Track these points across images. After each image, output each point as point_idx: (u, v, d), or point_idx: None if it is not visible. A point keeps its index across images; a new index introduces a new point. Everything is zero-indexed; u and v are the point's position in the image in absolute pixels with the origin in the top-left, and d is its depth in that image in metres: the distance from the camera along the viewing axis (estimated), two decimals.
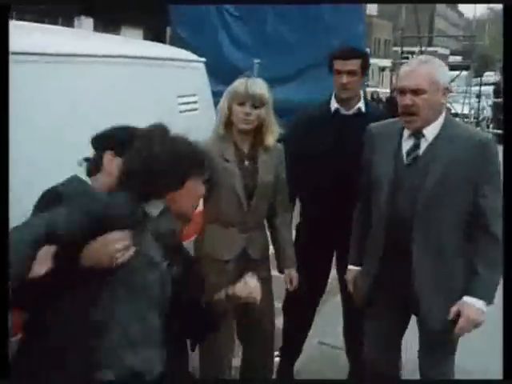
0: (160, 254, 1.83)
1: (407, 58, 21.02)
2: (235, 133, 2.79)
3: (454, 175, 2.33)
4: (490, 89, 19.95)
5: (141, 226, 1.78)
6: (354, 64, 3.10)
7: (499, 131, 17.87)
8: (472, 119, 17.26)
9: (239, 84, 2.75)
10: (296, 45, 8.76)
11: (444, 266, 2.41)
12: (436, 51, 31.64)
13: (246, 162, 2.81)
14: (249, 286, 2.06)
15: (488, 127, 18.99)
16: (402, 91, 2.36)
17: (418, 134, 2.40)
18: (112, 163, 2.05)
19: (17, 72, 1.98)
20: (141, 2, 12.31)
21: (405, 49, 19.72)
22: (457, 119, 2.48)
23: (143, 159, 1.79)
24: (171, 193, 1.81)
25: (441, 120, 2.40)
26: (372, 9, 36.44)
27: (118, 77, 2.67)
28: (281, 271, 3.01)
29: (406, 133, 2.43)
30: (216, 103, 2.94)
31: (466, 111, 17.04)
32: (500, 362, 1.77)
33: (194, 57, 3.63)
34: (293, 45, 8.74)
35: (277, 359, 3.69)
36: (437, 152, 2.36)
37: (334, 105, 3.18)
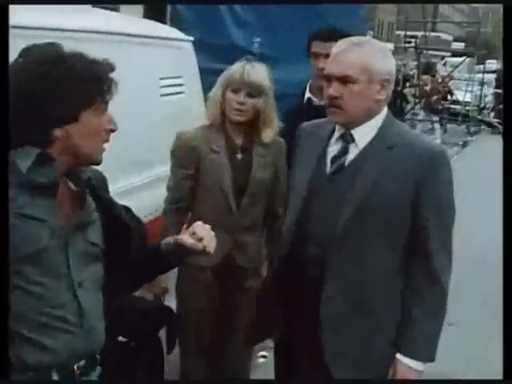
0: (46, 212, 1.41)
1: (410, 42, 20.76)
2: (227, 123, 2.48)
3: (387, 192, 1.85)
4: (492, 77, 19.66)
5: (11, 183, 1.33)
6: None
7: (499, 120, 17.75)
8: (474, 107, 16.99)
9: (236, 68, 2.45)
10: (298, 25, 8.48)
11: (367, 313, 1.90)
12: (439, 37, 31.29)
13: (239, 155, 2.50)
14: (197, 233, 1.68)
15: (489, 116, 18.80)
16: (328, 79, 1.90)
17: (346, 137, 1.93)
18: None
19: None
20: None
21: (408, 33, 19.37)
22: (408, 127, 2.05)
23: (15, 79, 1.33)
24: (59, 129, 1.39)
25: (378, 121, 1.91)
26: None
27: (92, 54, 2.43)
28: None
29: (336, 135, 1.96)
30: (215, 82, 2.63)
31: (468, 99, 16.73)
32: (500, 362, 1.64)
33: (180, 35, 3.40)
34: (295, 24, 8.47)
35: (261, 360, 3.51)
36: (368, 160, 1.89)
37: (307, 94, 2.84)
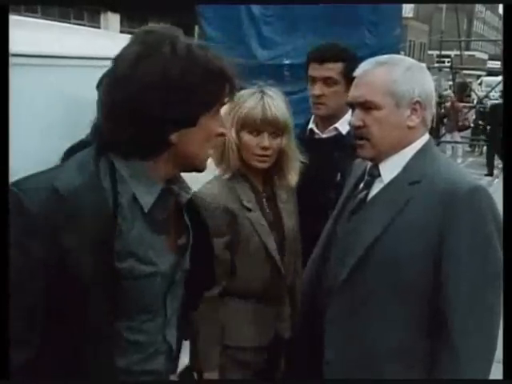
0: (157, 252, 1.27)
1: (443, 62, 20.38)
2: (247, 170, 2.00)
3: (399, 239, 1.54)
4: None
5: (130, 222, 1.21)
6: (331, 69, 2.29)
7: None
8: None
9: (253, 104, 1.91)
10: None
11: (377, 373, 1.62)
12: (474, 55, 30.75)
13: (266, 207, 2.02)
14: None
15: None
16: (351, 106, 1.69)
17: (373, 170, 1.69)
18: None
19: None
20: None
21: (442, 53, 18.95)
22: (447, 156, 1.75)
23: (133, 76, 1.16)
24: (175, 133, 1.22)
25: (411, 151, 1.63)
26: (407, 10, 35.64)
27: None
28: None
29: (367, 168, 1.73)
30: None
31: None
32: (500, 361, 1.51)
33: None
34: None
35: None
36: (386, 198, 1.62)
37: (310, 124, 2.44)
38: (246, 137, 1.94)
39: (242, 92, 1.90)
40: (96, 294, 1.15)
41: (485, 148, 15.69)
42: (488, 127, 14.34)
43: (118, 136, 1.19)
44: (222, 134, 1.31)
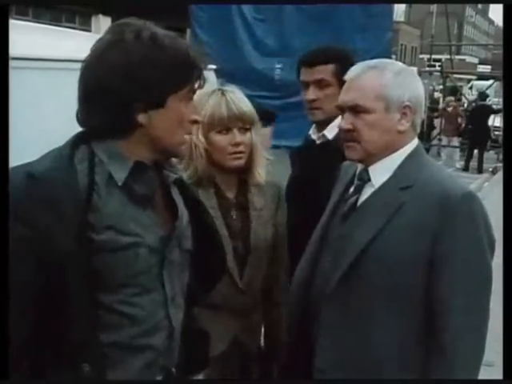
0: (144, 226, 1.31)
1: (434, 65, 20.49)
2: (217, 174, 1.94)
3: (392, 244, 1.55)
4: None
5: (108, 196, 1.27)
6: (322, 71, 2.19)
7: None
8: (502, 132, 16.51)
9: (215, 102, 1.87)
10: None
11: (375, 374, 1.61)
12: (464, 60, 30.93)
13: (233, 214, 1.94)
14: None
15: None
16: (341, 110, 1.67)
17: (363, 174, 1.68)
18: None
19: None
20: (161, 2, 11.93)
21: (432, 57, 19.06)
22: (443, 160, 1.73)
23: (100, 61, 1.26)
24: (143, 115, 1.28)
25: (401, 156, 1.63)
26: (399, 14, 35.83)
27: None
28: None
29: (357, 172, 1.72)
30: None
31: (497, 123, 16.24)
32: (500, 362, 1.55)
33: None
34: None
35: None
36: (378, 203, 1.62)
37: (311, 130, 2.33)
38: (216, 137, 1.89)
39: (201, 93, 1.75)
40: (74, 265, 1.21)
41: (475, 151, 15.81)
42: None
43: (90, 118, 1.27)
44: (196, 122, 1.36)
